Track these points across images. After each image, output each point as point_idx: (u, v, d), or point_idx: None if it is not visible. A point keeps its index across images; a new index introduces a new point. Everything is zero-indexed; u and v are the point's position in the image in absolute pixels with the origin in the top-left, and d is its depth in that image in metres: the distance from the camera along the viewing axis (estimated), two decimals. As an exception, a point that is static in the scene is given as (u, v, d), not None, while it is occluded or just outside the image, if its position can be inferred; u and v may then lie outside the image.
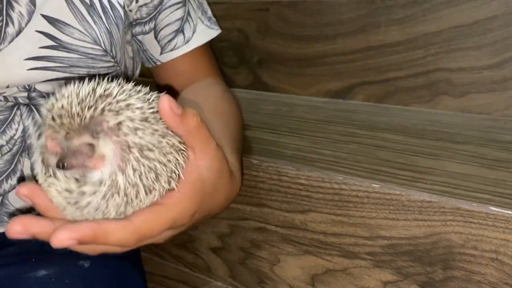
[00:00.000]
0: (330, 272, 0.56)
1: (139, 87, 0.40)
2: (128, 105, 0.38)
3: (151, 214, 0.39)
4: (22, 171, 0.60)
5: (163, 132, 0.39)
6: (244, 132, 0.66)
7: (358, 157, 0.57)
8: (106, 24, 0.59)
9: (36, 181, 0.40)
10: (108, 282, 0.58)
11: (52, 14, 0.57)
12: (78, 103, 0.37)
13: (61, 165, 0.36)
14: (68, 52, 0.57)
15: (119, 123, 0.37)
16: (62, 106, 0.37)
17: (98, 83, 0.38)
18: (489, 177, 0.51)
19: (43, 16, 0.56)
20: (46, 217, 0.39)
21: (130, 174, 0.37)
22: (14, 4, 0.56)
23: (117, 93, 0.38)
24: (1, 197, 0.60)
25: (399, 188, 0.49)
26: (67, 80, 0.55)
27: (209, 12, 0.71)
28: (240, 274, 0.66)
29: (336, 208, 0.54)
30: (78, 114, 0.37)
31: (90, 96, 0.37)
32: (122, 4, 0.60)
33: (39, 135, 0.40)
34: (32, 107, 0.59)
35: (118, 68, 0.62)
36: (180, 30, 0.66)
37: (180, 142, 0.40)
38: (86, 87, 0.38)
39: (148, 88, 0.41)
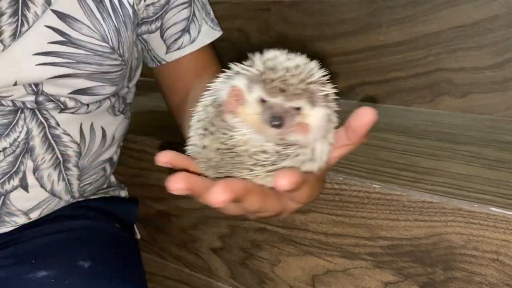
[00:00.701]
0: (331, 272, 0.56)
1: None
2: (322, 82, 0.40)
3: (317, 179, 0.40)
4: (24, 172, 0.61)
5: None
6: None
7: (359, 157, 0.57)
8: (115, 22, 0.59)
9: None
10: (108, 282, 0.58)
11: (62, 9, 0.57)
12: (294, 73, 0.39)
13: (277, 120, 0.37)
14: (76, 48, 0.57)
15: (327, 95, 0.39)
16: (286, 68, 0.39)
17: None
18: (490, 178, 0.50)
19: (53, 11, 0.57)
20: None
21: (326, 146, 0.39)
22: (30, 4, 0.56)
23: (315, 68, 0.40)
24: (2, 197, 0.60)
25: (400, 189, 0.49)
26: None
27: (212, 14, 0.71)
28: (240, 274, 0.66)
29: (337, 208, 0.54)
30: (299, 79, 0.38)
31: (302, 67, 0.39)
32: (132, 3, 0.60)
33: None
34: (36, 110, 0.60)
35: (125, 67, 0.62)
36: (186, 30, 0.67)
37: None
38: (296, 60, 0.40)
39: None
